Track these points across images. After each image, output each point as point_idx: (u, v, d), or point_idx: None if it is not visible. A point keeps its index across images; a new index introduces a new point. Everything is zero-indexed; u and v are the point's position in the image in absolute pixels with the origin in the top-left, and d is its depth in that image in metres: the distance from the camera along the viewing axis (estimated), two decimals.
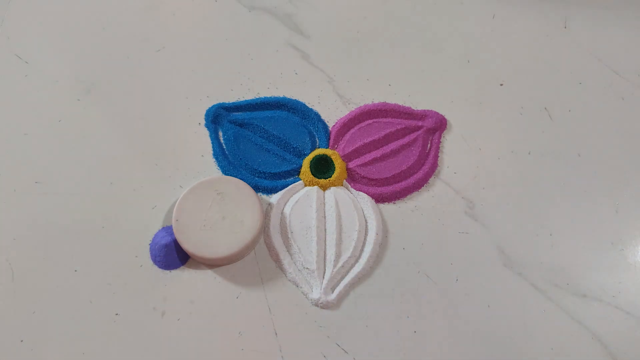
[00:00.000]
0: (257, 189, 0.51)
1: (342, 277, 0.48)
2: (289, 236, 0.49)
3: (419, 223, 0.50)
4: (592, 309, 0.46)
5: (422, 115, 0.54)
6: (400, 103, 0.55)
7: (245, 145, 0.53)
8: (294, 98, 0.56)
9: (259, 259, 0.49)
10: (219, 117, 0.55)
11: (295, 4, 0.62)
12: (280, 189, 0.51)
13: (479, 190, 0.51)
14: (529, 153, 0.53)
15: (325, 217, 0.50)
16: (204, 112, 0.55)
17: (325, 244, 0.49)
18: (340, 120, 0.54)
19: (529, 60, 0.58)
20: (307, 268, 0.47)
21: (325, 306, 0.46)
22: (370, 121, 0.54)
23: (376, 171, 0.52)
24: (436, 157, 0.53)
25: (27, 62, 0.58)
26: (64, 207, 0.50)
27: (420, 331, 0.46)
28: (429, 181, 0.52)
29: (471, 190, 0.51)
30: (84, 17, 0.61)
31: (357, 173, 0.52)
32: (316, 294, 0.47)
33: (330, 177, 0.51)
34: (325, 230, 0.49)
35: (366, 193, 0.51)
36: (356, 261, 0.48)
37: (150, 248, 0.48)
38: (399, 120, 0.55)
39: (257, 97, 0.56)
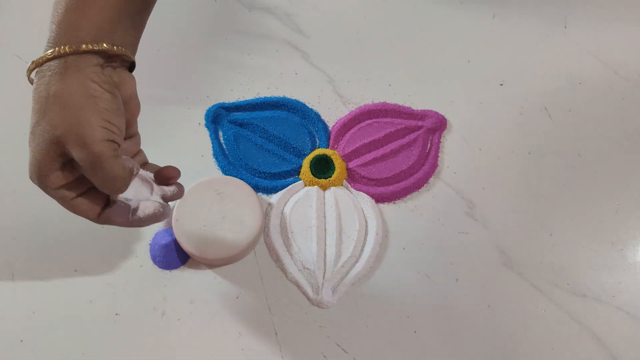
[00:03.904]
0: (257, 189, 0.51)
1: (342, 277, 0.48)
2: (289, 236, 0.49)
3: (419, 223, 0.50)
4: (592, 309, 0.46)
5: (422, 115, 0.54)
6: (400, 103, 0.55)
7: (245, 145, 0.53)
8: (294, 98, 0.56)
9: (259, 259, 0.49)
10: (219, 117, 0.55)
11: (295, 4, 0.62)
12: (280, 189, 0.51)
13: (479, 190, 0.51)
14: (529, 153, 0.53)
15: (325, 217, 0.50)
16: (204, 112, 0.55)
17: (325, 244, 0.49)
18: (340, 120, 0.54)
19: (529, 60, 0.58)
20: (307, 268, 0.47)
21: (325, 306, 0.46)
22: (370, 121, 0.54)
23: (376, 171, 0.52)
24: (436, 157, 0.53)
25: (27, 62, 0.58)
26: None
27: (420, 331, 0.46)
28: (429, 181, 0.52)
29: (471, 190, 0.51)
30: None
31: (357, 173, 0.52)
32: (316, 294, 0.47)
33: (330, 177, 0.51)
34: (325, 230, 0.49)
35: (366, 193, 0.51)
36: (356, 261, 0.48)
37: (150, 248, 0.48)
38: (399, 120, 0.55)
39: (257, 97, 0.56)
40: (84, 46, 0.35)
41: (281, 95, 0.56)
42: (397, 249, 0.49)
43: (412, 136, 0.54)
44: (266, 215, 0.50)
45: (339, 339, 0.45)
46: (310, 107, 0.55)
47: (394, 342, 0.45)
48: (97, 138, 0.34)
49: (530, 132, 0.54)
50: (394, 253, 0.49)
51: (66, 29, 0.36)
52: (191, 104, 0.56)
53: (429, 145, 0.54)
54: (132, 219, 0.38)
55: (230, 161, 0.53)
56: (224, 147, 0.54)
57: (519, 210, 0.50)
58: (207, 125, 0.54)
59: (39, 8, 0.62)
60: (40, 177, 0.34)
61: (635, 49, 0.58)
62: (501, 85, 0.57)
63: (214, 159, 0.53)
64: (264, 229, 0.49)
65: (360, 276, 0.48)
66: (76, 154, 0.34)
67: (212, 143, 0.54)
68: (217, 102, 0.55)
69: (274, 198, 0.51)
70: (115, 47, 0.37)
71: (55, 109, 0.34)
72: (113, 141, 0.35)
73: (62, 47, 0.35)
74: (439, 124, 0.54)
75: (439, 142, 0.54)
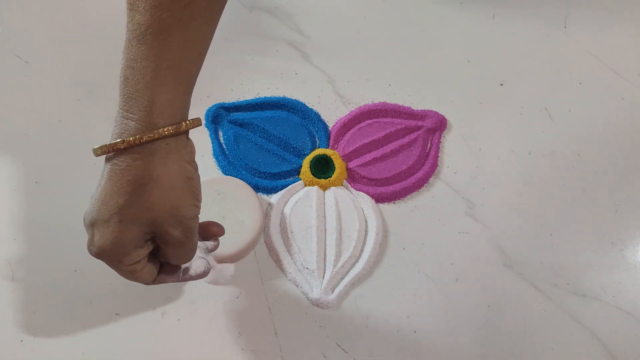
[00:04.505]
0: (257, 189, 0.51)
1: (342, 277, 0.48)
2: (289, 236, 0.49)
3: (419, 223, 0.50)
4: (592, 309, 0.46)
5: (422, 115, 0.54)
6: (400, 103, 0.55)
7: (245, 145, 0.53)
8: (294, 98, 0.56)
9: (259, 259, 0.49)
10: (219, 117, 0.55)
11: (295, 4, 0.62)
12: (280, 189, 0.51)
13: (479, 190, 0.51)
14: (529, 153, 0.53)
15: (325, 217, 0.50)
16: (204, 112, 0.55)
17: (325, 244, 0.49)
18: (340, 120, 0.54)
19: (529, 60, 0.58)
20: (307, 268, 0.47)
21: (325, 306, 0.46)
22: (370, 121, 0.54)
23: (376, 171, 0.52)
24: (436, 157, 0.53)
25: (27, 62, 0.58)
26: (64, 207, 0.50)
27: (420, 331, 0.46)
28: (429, 181, 0.52)
29: (471, 190, 0.51)
30: (84, 16, 0.61)
31: (357, 173, 0.52)
32: (316, 294, 0.47)
33: (330, 177, 0.51)
34: (325, 230, 0.49)
35: (366, 193, 0.51)
36: (356, 261, 0.48)
37: None
38: (399, 120, 0.55)
39: (257, 97, 0.56)
40: (183, 126, 0.34)
41: (281, 95, 0.56)
42: (397, 249, 0.49)
43: (412, 136, 0.54)
44: (266, 215, 0.50)
45: (339, 339, 0.45)
46: (310, 107, 0.55)
47: (394, 342, 0.45)
48: (190, 217, 0.35)
49: (530, 132, 0.54)
50: (394, 253, 0.49)
51: (163, 109, 0.34)
52: (191, 104, 0.55)
53: (429, 145, 0.54)
54: (182, 277, 0.39)
55: (230, 161, 0.53)
56: (224, 147, 0.54)
57: (519, 210, 0.50)
58: (207, 125, 0.54)
59: (39, 8, 0.62)
60: (119, 255, 0.34)
61: (635, 49, 0.58)
62: (501, 85, 0.57)
63: (214, 159, 0.53)
64: (264, 229, 0.49)
65: (360, 276, 0.48)
66: (173, 233, 0.34)
67: (212, 143, 0.54)
68: (217, 102, 0.55)
69: (274, 198, 0.51)
70: (199, 120, 0.36)
71: (156, 193, 0.33)
72: (198, 215, 0.36)
73: (166, 130, 0.33)
74: (439, 124, 0.54)
75: (439, 142, 0.54)
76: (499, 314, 0.46)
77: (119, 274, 0.36)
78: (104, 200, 0.34)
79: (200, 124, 0.37)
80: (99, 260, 0.45)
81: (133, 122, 0.33)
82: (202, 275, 0.41)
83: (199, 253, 0.41)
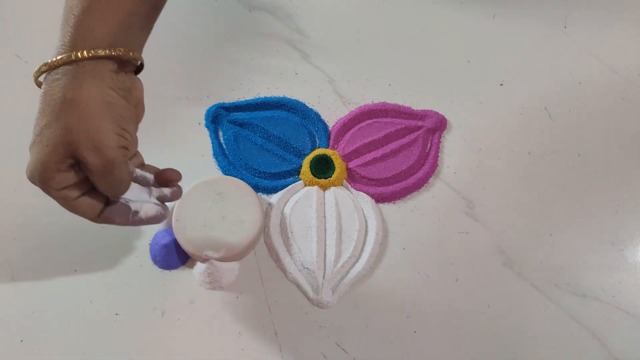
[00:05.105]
0: (257, 189, 0.51)
1: (342, 277, 0.48)
2: (289, 236, 0.49)
3: (419, 223, 0.50)
4: (592, 309, 0.46)
5: (422, 115, 0.55)
6: (400, 103, 0.55)
7: (245, 145, 0.53)
8: (294, 98, 0.56)
9: (259, 259, 0.49)
10: (219, 117, 0.55)
11: (295, 4, 0.62)
12: (280, 189, 0.51)
13: (479, 190, 0.51)
14: (529, 153, 0.53)
15: (325, 217, 0.50)
16: (204, 112, 0.55)
17: (325, 244, 0.49)
18: (340, 120, 0.54)
19: (529, 60, 0.58)
20: (307, 268, 0.48)
21: (325, 306, 0.46)
22: (370, 121, 0.54)
23: (376, 171, 0.52)
24: (436, 157, 0.53)
25: (27, 62, 0.58)
26: None
27: (420, 331, 0.46)
28: (429, 181, 0.52)
29: (471, 190, 0.51)
30: None
31: (357, 173, 0.52)
32: (316, 293, 0.47)
33: (330, 177, 0.51)
34: (325, 230, 0.49)
35: (366, 193, 0.51)
36: (356, 261, 0.48)
37: (150, 248, 0.48)
38: (399, 120, 0.55)
39: (257, 97, 0.56)
40: (101, 51, 0.35)
41: (281, 95, 0.56)
42: (397, 249, 0.49)
43: (412, 136, 0.54)
44: (266, 215, 0.50)
45: (339, 339, 0.45)
46: (310, 107, 0.55)
47: (394, 342, 0.45)
48: (111, 145, 0.34)
49: (530, 132, 0.54)
50: (394, 253, 0.49)
51: (83, 33, 0.35)
52: (191, 103, 0.56)
53: (429, 145, 0.54)
54: (132, 219, 0.39)
55: (230, 161, 0.53)
56: (224, 147, 0.54)
57: (519, 210, 0.50)
58: (207, 125, 0.54)
59: (39, 8, 0.62)
60: (44, 179, 0.34)
61: (635, 49, 0.58)
62: (501, 85, 0.57)
63: (214, 159, 0.53)
64: (264, 229, 0.49)
65: (360, 276, 0.48)
66: (89, 159, 0.34)
67: (212, 143, 0.54)
68: (217, 102, 0.55)
69: (274, 198, 0.51)
70: (131, 53, 0.37)
71: (72, 114, 0.34)
72: (125, 147, 0.36)
73: (81, 52, 0.34)
74: (439, 124, 0.54)
75: (439, 142, 0.54)
76: (499, 314, 0.46)
77: (58, 203, 0.36)
78: (34, 124, 0.35)
79: (138, 59, 0.38)
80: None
81: (58, 47, 0.35)
82: (154, 220, 0.40)
83: (151, 198, 0.40)
